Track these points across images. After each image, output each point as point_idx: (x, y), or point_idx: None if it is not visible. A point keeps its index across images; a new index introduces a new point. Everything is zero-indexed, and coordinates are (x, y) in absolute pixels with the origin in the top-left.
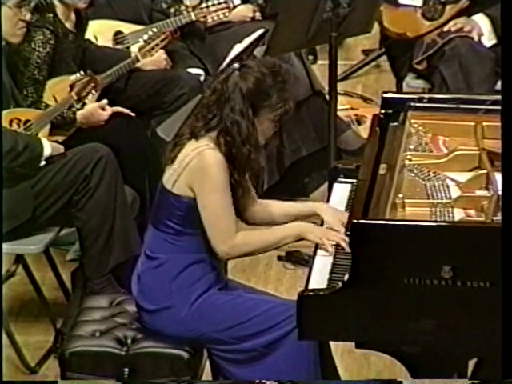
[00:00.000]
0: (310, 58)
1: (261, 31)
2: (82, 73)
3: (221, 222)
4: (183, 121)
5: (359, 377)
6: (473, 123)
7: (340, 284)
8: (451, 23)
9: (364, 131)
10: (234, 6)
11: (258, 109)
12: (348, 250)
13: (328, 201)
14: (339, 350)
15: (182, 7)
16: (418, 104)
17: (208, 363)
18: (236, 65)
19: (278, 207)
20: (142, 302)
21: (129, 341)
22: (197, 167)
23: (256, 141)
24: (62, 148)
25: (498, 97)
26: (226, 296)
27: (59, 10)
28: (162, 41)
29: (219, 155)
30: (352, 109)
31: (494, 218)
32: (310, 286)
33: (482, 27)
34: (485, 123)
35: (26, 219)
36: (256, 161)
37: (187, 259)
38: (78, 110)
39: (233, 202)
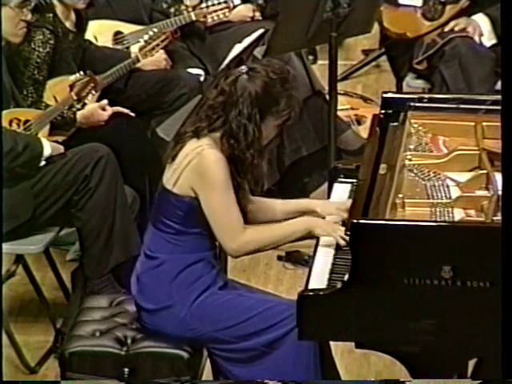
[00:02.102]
0: (310, 58)
1: (261, 31)
2: (81, 73)
3: (226, 220)
4: (183, 121)
5: (359, 377)
6: (473, 123)
7: (340, 284)
8: (451, 23)
9: (364, 131)
10: (234, 6)
11: (265, 114)
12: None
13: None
14: (339, 350)
15: (182, 7)
16: (418, 104)
17: (208, 363)
18: (243, 67)
19: (272, 205)
20: (142, 301)
21: (129, 341)
22: (197, 167)
23: (260, 146)
24: (61, 148)
25: (498, 97)
26: (225, 295)
27: (59, 9)
28: (162, 41)
29: (219, 154)
30: (352, 109)
31: (494, 218)
32: (310, 286)
33: (482, 27)
34: (485, 123)
35: (26, 219)
36: (258, 166)
37: (187, 259)
38: (78, 110)
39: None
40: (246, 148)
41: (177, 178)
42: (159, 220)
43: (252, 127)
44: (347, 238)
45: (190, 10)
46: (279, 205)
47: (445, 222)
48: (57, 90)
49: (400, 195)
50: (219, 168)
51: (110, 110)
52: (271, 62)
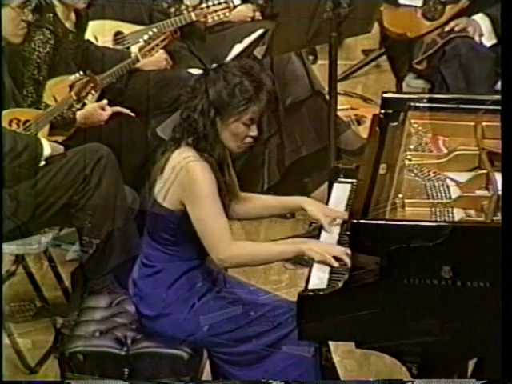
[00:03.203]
0: (310, 58)
1: (261, 31)
2: (81, 73)
3: (215, 232)
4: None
5: (359, 377)
6: (473, 123)
7: (340, 284)
8: (452, 23)
9: (364, 131)
10: (234, 6)
11: (223, 109)
12: (349, 264)
13: (328, 201)
14: (339, 350)
15: (183, 7)
16: (417, 104)
17: (208, 363)
18: (214, 65)
19: (262, 201)
20: (141, 307)
21: (129, 341)
22: (184, 182)
23: (214, 140)
24: (61, 148)
25: (498, 97)
26: (224, 299)
27: (59, 9)
28: (162, 41)
29: (204, 165)
30: (352, 109)
31: (494, 218)
32: (310, 286)
33: (482, 27)
34: (485, 123)
35: (26, 219)
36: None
37: (184, 266)
38: (78, 110)
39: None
40: (202, 141)
41: (166, 191)
42: (154, 231)
43: (203, 121)
44: (346, 255)
45: (190, 9)
46: (268, 200)
47: (445, 222)
48: (57, 89)
49: (400, 195)
50: (204, 180)
51: (109, 110)
52: (243, 60)
